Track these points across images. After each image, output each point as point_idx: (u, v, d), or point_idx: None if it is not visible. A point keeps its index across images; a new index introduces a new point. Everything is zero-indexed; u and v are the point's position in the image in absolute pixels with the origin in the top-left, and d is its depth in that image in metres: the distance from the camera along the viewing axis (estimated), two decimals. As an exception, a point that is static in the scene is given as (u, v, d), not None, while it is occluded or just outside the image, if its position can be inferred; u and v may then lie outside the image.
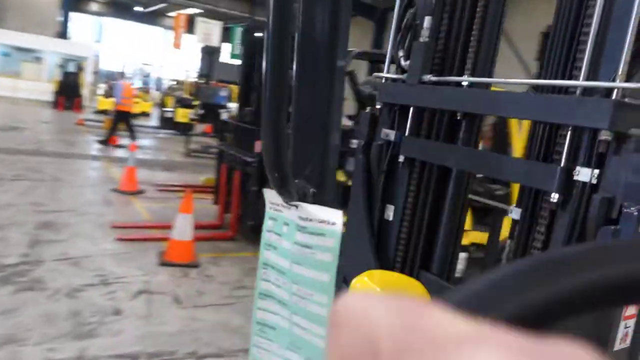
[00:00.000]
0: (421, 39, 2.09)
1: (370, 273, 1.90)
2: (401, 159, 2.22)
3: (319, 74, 0.84)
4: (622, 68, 1.46)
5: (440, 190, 2.26)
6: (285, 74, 0.89)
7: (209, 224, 7.16)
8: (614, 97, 1.48)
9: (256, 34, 7.26)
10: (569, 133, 1.63)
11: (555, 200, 1.64)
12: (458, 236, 2.23)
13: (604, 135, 1.49)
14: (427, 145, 2.12)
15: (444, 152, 2.06)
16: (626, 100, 1.48)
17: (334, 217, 0.88)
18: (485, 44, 2.11)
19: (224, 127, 9.07)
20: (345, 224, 0.93)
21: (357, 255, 2.28)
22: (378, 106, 2.29)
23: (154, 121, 19.92)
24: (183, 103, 17.46)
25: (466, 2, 2.12)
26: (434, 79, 2.05)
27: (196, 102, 16.75)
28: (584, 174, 1.57)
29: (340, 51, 0.85)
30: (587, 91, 1.60)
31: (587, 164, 1.58)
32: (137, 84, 27.09)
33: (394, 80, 2.27)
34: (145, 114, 21.51)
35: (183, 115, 16.88)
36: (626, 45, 1.45)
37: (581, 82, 1.56)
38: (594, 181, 1.55)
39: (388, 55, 2.27)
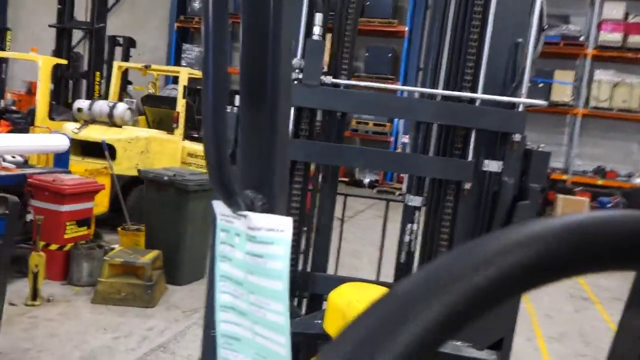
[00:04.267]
0: (314, 37, 2.02)
1: (346, 286, 1.88)
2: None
3: (264, 81, 0.82)
4: (525, 87, 1.98)
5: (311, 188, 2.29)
6: (226, 80, 0.87)
7: None
8: (520, 109, 1.99)
9: None
10: (473, 134, 2.05)
11: (468, 188, 2.06)
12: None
13: (516, 137, 2.00)
14: (328, 147, 2.10)
15: (352, 154, 2.12)
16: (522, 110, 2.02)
17: (283, 225, 0.98)
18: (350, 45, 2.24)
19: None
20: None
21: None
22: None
23: None
24: None
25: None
26: (336, 81, 2.04)
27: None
28: (493, 166, 2.04)
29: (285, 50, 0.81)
30: (483, 102, 2.05)
31: (493, 158, 2.05)
32: None
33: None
34: None
35: None
36: (527, 69, 1.97)
37: (496, 97, 2.00)
38: (499, 170, 2.05)
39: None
